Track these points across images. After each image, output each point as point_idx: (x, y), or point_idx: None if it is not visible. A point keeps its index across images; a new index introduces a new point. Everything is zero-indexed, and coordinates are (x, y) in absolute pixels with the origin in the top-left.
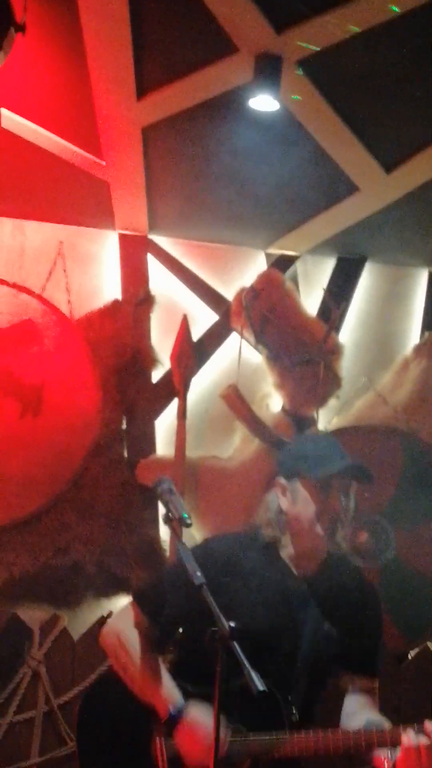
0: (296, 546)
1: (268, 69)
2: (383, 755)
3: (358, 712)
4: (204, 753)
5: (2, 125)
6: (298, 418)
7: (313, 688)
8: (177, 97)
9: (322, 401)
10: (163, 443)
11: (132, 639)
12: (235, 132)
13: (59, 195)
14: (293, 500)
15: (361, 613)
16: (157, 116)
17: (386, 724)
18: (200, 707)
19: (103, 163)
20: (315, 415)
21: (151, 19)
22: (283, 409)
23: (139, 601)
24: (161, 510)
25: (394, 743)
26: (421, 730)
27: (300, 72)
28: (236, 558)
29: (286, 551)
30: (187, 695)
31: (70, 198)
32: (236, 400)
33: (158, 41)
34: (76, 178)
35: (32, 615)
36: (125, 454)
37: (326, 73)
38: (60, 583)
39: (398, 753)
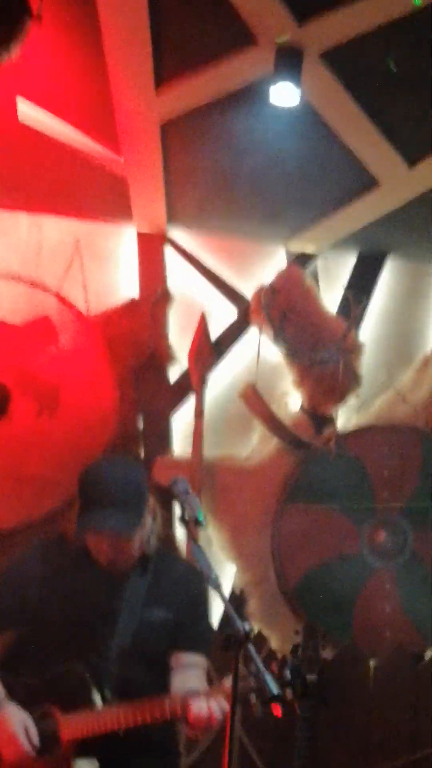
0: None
1: (289, 61)
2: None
3: (188, 683)
4: (8, 748)
5: (19, 118)
6: (317, 417)
7: (134, 669)
8: (196, 90)
9: (341, 400)
10: (180, 442)
11: None
12: (255, 126)
13: (76, 190)
14: None
15: (191, 598)
16: (176, 111)
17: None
18: (14, 705)
19: (121, 159)
20: (334, 414)
21: (170, 9)
22: (302, 407)
23: None
24: (177, 510)
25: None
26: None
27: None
28: (49, 565)
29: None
30: (20, 685)
31: (88, 193)
32: (254, 398)
33: (177, 32)
34: (94, 173)
35: None
36: (142, 454)
37: (349, 66)
38: None
39: None
